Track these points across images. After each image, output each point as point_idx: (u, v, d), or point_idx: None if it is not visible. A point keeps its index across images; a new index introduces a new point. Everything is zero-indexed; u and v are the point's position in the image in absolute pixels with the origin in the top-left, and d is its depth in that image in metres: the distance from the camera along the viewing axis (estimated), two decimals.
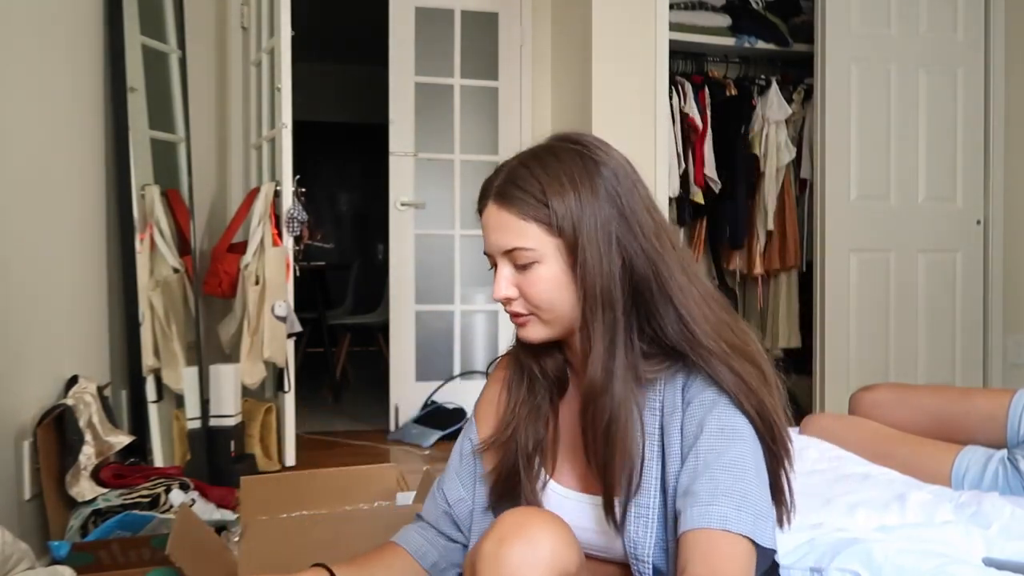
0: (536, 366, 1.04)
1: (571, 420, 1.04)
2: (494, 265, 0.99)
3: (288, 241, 2.91)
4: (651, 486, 0.93)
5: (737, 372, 0.91)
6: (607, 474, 0.93)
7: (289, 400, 2.93)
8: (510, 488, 1.04)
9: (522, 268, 0.95)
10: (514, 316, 0.99)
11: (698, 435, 0.90)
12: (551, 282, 0.94)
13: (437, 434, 3.38)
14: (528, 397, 1.05)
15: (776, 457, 0.94)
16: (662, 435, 0.94)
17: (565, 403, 1.06)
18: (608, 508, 0.94)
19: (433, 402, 3.62)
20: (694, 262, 1.00)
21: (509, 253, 0.95)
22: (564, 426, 1.05)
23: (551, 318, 0.96)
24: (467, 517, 1.08)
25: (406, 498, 1.70)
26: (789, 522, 0.97)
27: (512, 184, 0.95)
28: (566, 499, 1.02)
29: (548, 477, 1.04)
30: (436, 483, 1.13)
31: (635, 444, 0.93)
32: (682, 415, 0.93)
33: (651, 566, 0.92)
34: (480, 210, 0.99)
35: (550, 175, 0.93)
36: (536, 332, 0.98)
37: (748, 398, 0.91)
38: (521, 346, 1.04)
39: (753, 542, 0.85)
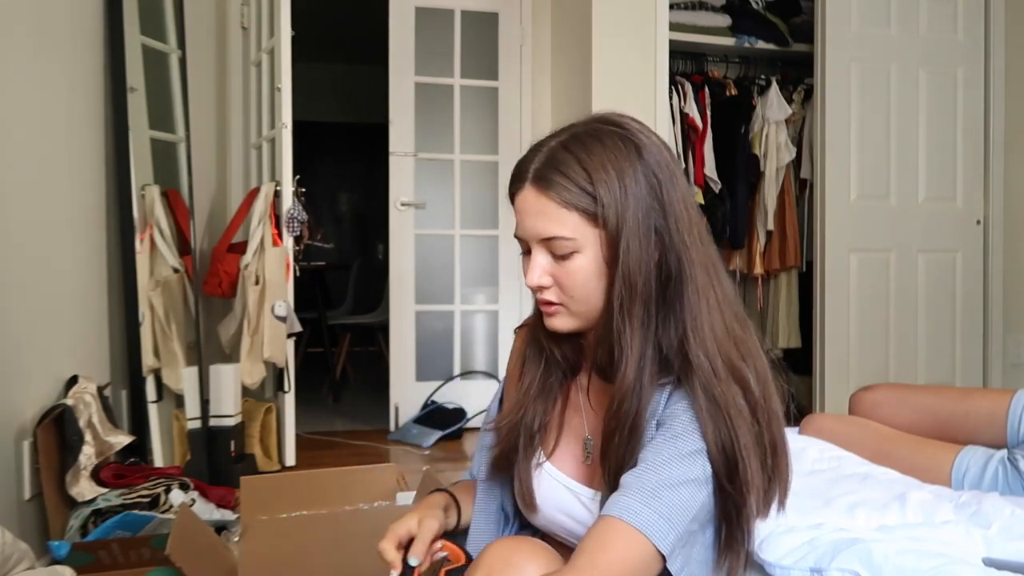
0: (556, 349, 1.01)
1: (579, 406, 1.03)
2: (527, 251, 0.95)
3: (288, 241, 2.91)
4: None
5: (715, 399, 0.87)
6: (621, 473, 0.90)
7: (289, 400, 2.93)
8: (508, 464, 1.04)
9: (559, 257, 0.91)
10: (545, 304, 0.95)
11: (652, 438, 0.89)
12: (588, 273, 0.90)
13: (437, 434, 3.38)
14: (542, 377, 1.03)
15: (730, 498, 0.88)
16: None
17: (575, 387, 1.04)
18: None
19: (433, 402, 3.62)
20: (720, 259, 0.95)
21: (547, 241, 0.91)
22: (571, 410, 1.04)
23: (581, 310, 0.93)
24: None
25: (406, 498, 1.70)
26: (740, 568, 0.93)
27: (553, 168, 0.89)
28: (559, 484, 1.01)
29: (544, 458, 1.03)
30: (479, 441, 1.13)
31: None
32: (656, 426, 0.91)
33: None
34: (514, 192, 0.94)
35: (595, 162, 0.88)
36: (564, 323, 0.95)
37: (715, 428, 0.86)
38: (542, 327, 1.00)
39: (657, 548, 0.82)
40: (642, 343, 0.89)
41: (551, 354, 1.02)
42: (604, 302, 0.92)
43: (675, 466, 0.85)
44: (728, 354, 0.89)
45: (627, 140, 0.90)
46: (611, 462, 0.93)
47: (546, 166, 0.90)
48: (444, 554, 1.00)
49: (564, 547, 1.02)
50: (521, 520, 1.09)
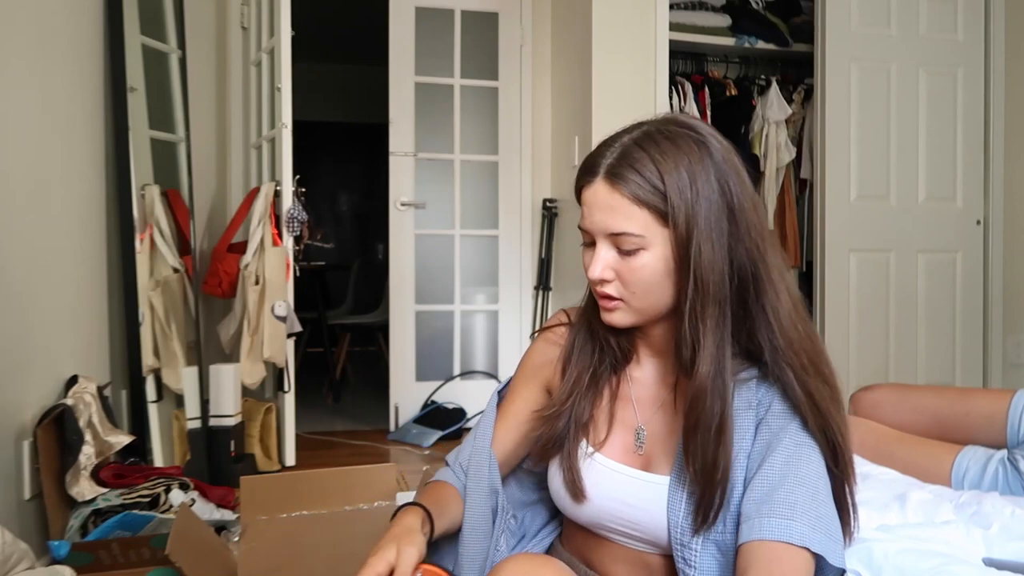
0: (612, 338, 1.02)
1: (628, 397, 1.04)
2: (591, 242, 0.96)
3: (288, 241, 2.92)
4: None
5: (809, 391, 0.91)
6: (712, 470, 0.91)
7: (289, 400, 2.93)
8: (553, 452, 1.04)
9: (625, 253, 0.92)
10: (604, 299, 0.96)
11: (773, 448, 0.90)
12: (653, 271, 0.91)
13: (437, 434, 3.38)
14: (593, 367, 1.04)
15: (837, 477, 0.93)
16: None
17: (624, 378, 1.05)
18: (707, 504, 0.92)
19: (433, 402, 3.62)
20: (788, 265, 0.98)
21: (614, 236, 0.92)
22: (621, 401, 1.04)
23: (642, 306, 0.95)
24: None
25: (406, 498, 1.70)
26: (851, 539, 0.96)
27: (627, 165, 0.90)
28: (613, 472, 1.01)
29: (593, 449, 1.03)
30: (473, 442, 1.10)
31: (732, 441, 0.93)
32: (755, 418, 0.93)
33: (698, 553, 0.91)
34: (583, 185, 0.95)
35: (667, 161, 0.89)
36: (623, 319, 0.96)
37: (815, 418, 0.91)
38: (598, 319, 1.01)
39: (822, 561, 0.85)
40: (717, 343, 0.91)
41: (606, 344, 1.03)
42: (673, 301, 0.93)
43: (817, 478, 0.89)
44: (809, 351, 0.93)
45: (700, 143, 0.91)
46: (698, 459, 0.92)
47: (620, 162, 0.91)
48: None
49: (607, 542, 1.02)
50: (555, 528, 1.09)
